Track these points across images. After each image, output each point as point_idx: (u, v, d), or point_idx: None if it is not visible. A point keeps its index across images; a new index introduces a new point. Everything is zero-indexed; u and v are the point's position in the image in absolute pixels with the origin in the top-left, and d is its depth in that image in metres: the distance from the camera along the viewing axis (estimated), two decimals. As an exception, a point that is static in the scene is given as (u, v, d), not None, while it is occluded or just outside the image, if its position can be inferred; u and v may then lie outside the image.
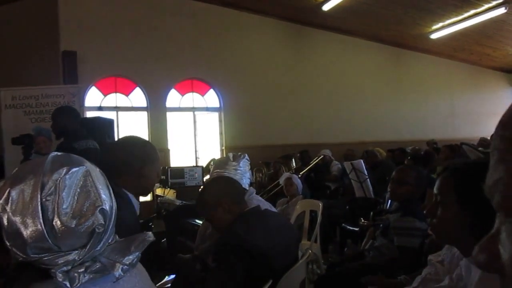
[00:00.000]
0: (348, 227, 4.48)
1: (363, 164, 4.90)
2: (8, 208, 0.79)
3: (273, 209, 2.41)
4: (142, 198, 6.26)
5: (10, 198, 0.80)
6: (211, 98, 8.10)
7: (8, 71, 5.93)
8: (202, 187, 2.01)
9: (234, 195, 1.86)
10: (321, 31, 8.97)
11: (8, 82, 5.30)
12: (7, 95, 4.86)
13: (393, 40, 9.51)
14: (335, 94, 9.08)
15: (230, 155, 2.44)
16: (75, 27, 6.62)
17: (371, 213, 3.96)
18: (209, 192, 1.90)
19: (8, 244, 0.81)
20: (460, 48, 9.83)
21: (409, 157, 5.24)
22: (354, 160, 5.16)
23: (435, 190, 1.18)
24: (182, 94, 7.87)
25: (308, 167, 6.18)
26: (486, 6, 7.30)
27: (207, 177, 5.27)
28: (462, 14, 7.78)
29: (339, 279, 2.44)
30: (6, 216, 0.80)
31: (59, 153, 0.89)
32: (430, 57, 10.36)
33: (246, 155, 2.46)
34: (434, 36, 8.79)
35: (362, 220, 3.69)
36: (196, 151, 7.96)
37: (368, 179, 4.81)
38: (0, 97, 4.81)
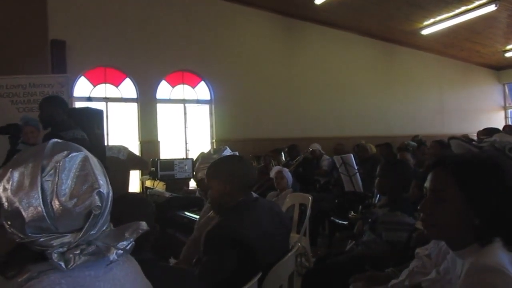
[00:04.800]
0: (337, 220, 4.51)
1: (353, 158, 4.93)
2: (9, 188, 0.82)
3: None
4: (131, 190, 6.17)
5: (12, 179, 0.83)
6: (202, 90, 8.06)
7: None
8: (220, 159, 2.01)
9: (243, 180, 1.86)
10: (313, 25, 8.96)
11: (-6, 70, 5.19)
12: (-6, 84, 4.76)
13: (385, 35, 9.55)
14: (326, 88, 9.10)
15: (211, 149, 2.48)
16: (64, 16, 6.50)
17: (360, 206, 3.99)
18: (224, 165, 1.91)
19: (7, 224, 0.83)
20: (450, 45, 9.91)
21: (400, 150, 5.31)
22: (343, 154, 5.19)
23: (428, 185, 1.15)
24: (173, 85, 7.81)
25: (296, 163, 6.18)
26: (477, 3, 7.36)
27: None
28: (453, 11, 7.83)
29: (327, 272, 2.46)
30: (6, 196, 0.82)
31: (59, 140, 0.92)
32: (421, 53, 10.43)
33: (227, 147, 2.46)
34: (425, 32, 8.84)
35: (352, 213, 3.73)
36: (186, 143, 7.92)
37: (357, 173, 4.85)
38: (-14, 85, 4.72)
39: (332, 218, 4.64)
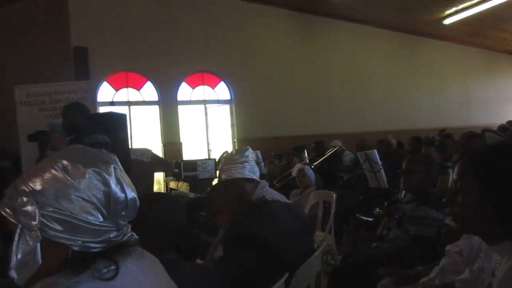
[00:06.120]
0: (362, 217, 4.45)
1: (377, 154, 4.85)
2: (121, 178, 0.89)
3: (285, 201, 2.41)
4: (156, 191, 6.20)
5: (118, 171, 0.89)
6: (222, 90, 8.10)
7: (22, 69, 6.00)
8: (208, 192, 2.11)
9: (236, 197, 1.92)
10: (331, 20, 8.86)
11: (22, 79, 5.36)
12: (22, 92, 4.91)
13: (405, 27, 9.34)
14: (347, 84, 8.99)
15: (233, 150, 2.52)
16: (85, 23, 6.66)
17: (386, 203, 3.93)
18: (212, 200, 1.99)
19: (122, 213, 0.88)
20: (475, 33, 9.61)
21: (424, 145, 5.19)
22: (366, 150, 5.11)
23: (454, 176, 1.13)
24: (193, 87, 7.88)
25: (322, 158, 6.14)
26: (502, -12, 7.12)
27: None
28: (476, -2, 7.61)
29: (354, 270, 2.43)
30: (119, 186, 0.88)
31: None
32: (444, 43, 10.16)
33: (249, 147, 2.49)
34: (447, 21, 8.61)
35: (377, 210, 3.67)
36: (208, 143, 7.99)
37: (382, 169, 4.76)
38: (14, 94, 4.87)
39: (357, 215, 4.58)
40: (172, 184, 5.61)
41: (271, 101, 8.13)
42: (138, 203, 0.91)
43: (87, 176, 0.84)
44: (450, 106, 10.27)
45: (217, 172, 5.35)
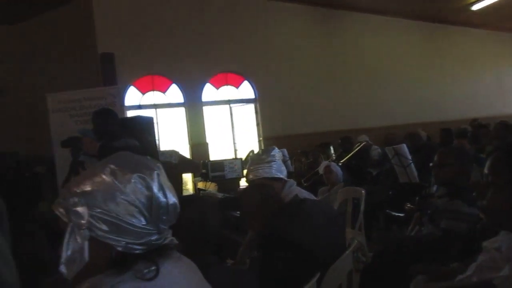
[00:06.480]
0: (393, 213, 4.36)
1: (406, 148, 4.73)
2: (164, 183, 0.94)
3: (314, 199, 2.40)
4: (184, 192, 6.33)
5: (161, 177, 0.94)
6: (246, 89, 8.12)
7: (52, 76, 6.22)
8: (239, 196, 2.12)
9: (267, 199, 1.91)
10: (352, 13, 8.72)
11: (52, 87, 5.56)
12: (53, 100, 5.09)
13: (430, 15, 9.07)
14: (372, 77, 8.82)
15: (260, 150, 2.52)
16: (111, 30, 6.82)
17: (417, 198, 3.83)
18: (243, 203, 2.00)
19: (163, 218, 0.92)
20: (508, 18, 9.19)
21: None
22: (395, 144, 4.99)
23: (486, 170, 1.10)
24: (217, 87, 7.94)
25: (350, 154, 6.04)
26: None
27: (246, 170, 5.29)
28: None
29: (386, 266, 2.38)
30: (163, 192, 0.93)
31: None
32: (473, 30, 9.82)
33: (275, 147, 2.49)
34: (475, 7, 8.30)
35: (408, 205, 3.58)
36: (234, 143, 8.03)
37: (411, 164, 4.64)
38: (47, 102, 5.06)
39: (387, 211, 4.49)
40: (200, 185, 5.67)
41: (295, 98, 8.09)
42: (178, 209, 0.94)
43: (132, 181, 0.88)
44: (482, 95, 9.90)
45: (244, 171, 5.37)
